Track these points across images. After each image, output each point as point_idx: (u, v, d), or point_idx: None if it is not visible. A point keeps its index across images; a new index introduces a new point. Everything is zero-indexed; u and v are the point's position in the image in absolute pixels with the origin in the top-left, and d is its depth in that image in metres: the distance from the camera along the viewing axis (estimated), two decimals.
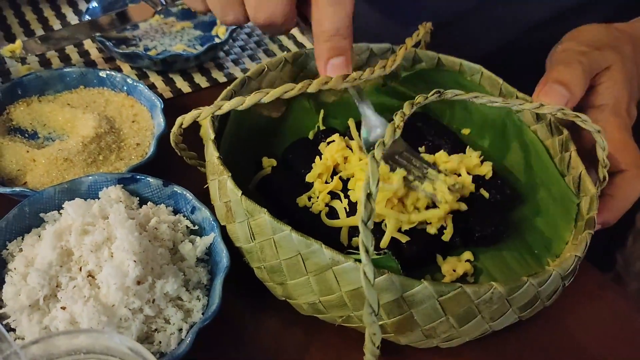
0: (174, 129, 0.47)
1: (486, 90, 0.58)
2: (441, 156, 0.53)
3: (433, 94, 0.46)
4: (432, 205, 0.49)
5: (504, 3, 0.72)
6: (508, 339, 0.47)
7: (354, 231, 0.48)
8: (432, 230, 0.48)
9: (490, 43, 0.74)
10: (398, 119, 0.42)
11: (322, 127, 0.57)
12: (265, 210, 0.41)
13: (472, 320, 0.41)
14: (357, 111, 0.53)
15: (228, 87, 0.51)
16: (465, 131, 0.59)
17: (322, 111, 0.58)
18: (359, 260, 0.38)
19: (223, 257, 0.45)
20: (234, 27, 0.69)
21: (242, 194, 0.42)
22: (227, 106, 0.44)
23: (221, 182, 0.44)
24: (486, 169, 0.53)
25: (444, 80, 0.59)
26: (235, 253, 0.45)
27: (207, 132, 0.47)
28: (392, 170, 0.49)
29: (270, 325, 0.47)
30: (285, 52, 0.57)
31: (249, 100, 0.44)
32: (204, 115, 0.45)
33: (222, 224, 0.46)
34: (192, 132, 0.49)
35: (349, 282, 0.39)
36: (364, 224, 0.36)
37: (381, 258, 0.43)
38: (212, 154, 0.45)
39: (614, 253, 0.53)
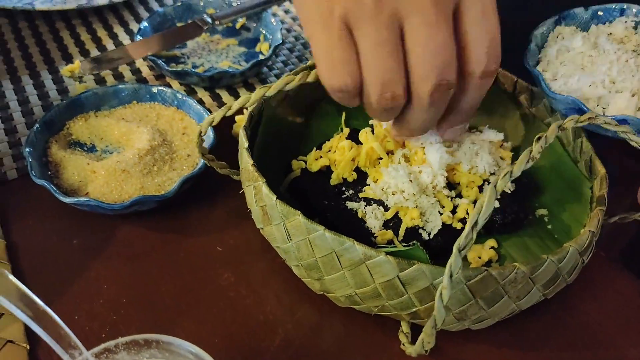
0: (198, 139, 0.50)
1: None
2: None
3: (586, 119, 0.45)
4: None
5: None
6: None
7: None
8: (456, 224, 0.51)
9: None
10: (537, 149, 0.40)
11: (344, 128, 0.59)
12: (300, 212, 0.44)
13: (499, 300, 0.43)
14: None
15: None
16: (481, 128, 0.61)
17: (343, 113, 0.61)
18: (389, 254, 0.41)
19: None
20: (278, 43, 0.72)
21: (276, 198, 0.45)
22: (235, 105, 0.47)
23: (257, 188, 0.47)
24: (506, 154, 0.56)
25: None
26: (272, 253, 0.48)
27: (241, 141, 0.50)
28: None
29: (308, 319, 0.49)
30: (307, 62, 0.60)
31: (254, 96, 0.47)
32: (217, 118, 0.48)
33: (258, 226, 0.49)
34: (222, 143, 0.52)
35: (382, 275, 0.42)
36: (458, 251, 0.37)
37: (410, 249, 0.46)
38: (246, 161, 0.48)
39: None
